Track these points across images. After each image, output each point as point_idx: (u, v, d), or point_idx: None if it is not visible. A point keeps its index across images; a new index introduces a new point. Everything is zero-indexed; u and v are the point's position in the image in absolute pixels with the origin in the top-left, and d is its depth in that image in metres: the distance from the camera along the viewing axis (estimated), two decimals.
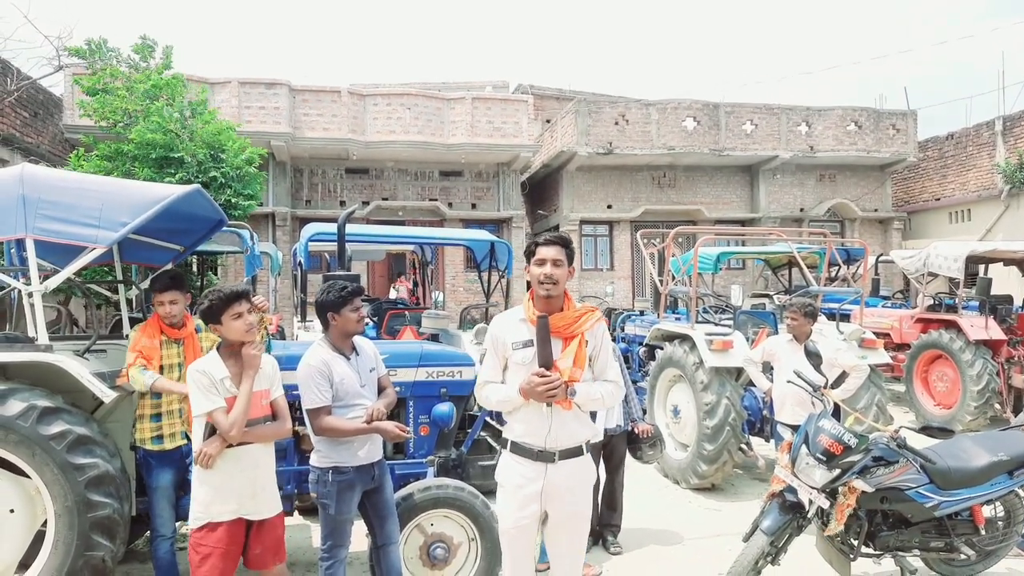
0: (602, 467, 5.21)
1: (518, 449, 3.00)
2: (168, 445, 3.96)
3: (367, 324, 6.51)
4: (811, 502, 3.80)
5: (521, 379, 2.90)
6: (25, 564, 3.71)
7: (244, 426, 3.14)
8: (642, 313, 9.70)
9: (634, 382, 6.74)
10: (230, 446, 3.16)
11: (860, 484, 3.78)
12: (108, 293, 5.79)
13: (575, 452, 2.99)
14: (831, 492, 3.81)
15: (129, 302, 5.05)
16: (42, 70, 15.00)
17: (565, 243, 2.99)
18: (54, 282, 3.92)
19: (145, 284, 4.32)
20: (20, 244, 4.27)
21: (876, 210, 20.50)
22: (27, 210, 3.68)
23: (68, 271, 3.92)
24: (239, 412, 3.13)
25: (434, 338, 7.18)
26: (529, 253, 3.02)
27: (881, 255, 13.88)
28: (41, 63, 16.52)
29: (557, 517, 3.00)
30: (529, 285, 3.06)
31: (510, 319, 3.07)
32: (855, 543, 3.89)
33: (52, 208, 3.74)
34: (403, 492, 3.90)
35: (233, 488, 3.17)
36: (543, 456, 2.94)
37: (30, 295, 3.86)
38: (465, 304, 13.29)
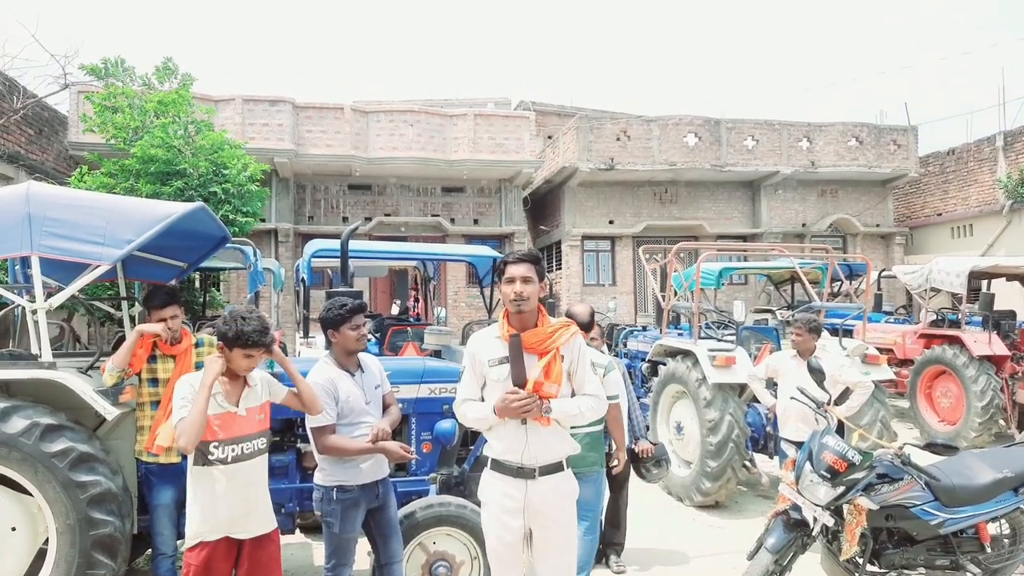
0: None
1: (498, 466, 3.01)
2: (163, 459, 3.93)
3: (369, 340, 6.51)
4: (815, 520, 3.78)
5: (498, 396, 2.92)
6: None
7: (197, 434, 2.98)
8: (644, 329, 9.69)
9: (637, 398, 6.72)
10: (223, 463, 3.09)
11: (864, 502, 3.75)
12: (111, 310, 5.80)
13: (555, 468, 3.01)
14: (836, 510, 3.79)
15: (132, 319, 5.05)
16: (48, 88, 15.14)
17: (534, 259, 3.02)
18: (58, 299, 3.93)
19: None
20: (25, 261, 4.28)
21: (878, 225, 20.51)
22: (32, 228, 3.70)
23: (72, 288, 3.93)
24: (194, 416, 2.97)
25: (436, 354, 7.17)
26: (499, 272, 3.04)
27: (883, 270, 13.87)
28: (47, 81, 16.68)
29: (541, 533, 3.01)
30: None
31: (486, 336, 3.09)
32: (860, 561, 3.86)
33: (57, 226, 3.76)
34: (405, 510, 3.88)
35: (225, 506, 3.12)
36: (523, 473, 2.96)
37: (34, 312, 3.87)
38: (467, 320, 13.30)
